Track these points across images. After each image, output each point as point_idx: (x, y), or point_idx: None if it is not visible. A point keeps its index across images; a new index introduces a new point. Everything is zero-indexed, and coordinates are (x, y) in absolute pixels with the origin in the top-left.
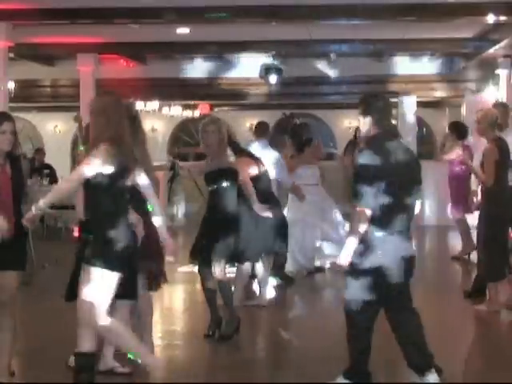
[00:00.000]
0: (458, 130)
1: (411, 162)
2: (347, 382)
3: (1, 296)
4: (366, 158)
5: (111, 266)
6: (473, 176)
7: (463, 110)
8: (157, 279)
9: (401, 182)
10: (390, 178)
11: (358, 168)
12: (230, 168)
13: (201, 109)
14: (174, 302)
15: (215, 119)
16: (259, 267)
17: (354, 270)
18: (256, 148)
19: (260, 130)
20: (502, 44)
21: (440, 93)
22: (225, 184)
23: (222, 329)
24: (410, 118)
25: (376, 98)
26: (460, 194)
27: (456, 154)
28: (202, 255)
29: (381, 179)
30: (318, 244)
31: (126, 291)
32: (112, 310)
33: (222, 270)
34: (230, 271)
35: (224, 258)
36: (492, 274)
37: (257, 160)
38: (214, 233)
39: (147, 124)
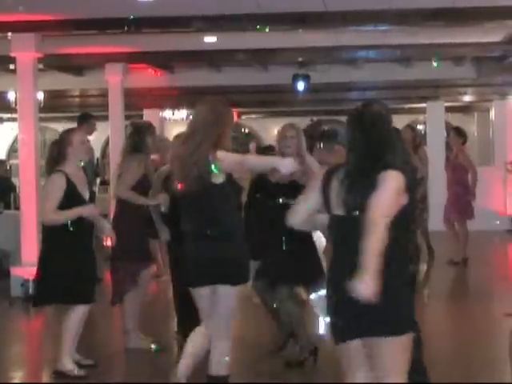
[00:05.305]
0: (464, 136)
1: None
2: None
3: None
4: None
5: None
6: None
7: (492, 115)
8: None
9: None
10: None
11: None
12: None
13: None
14: None
15: (294, 124)
16: None
17: None
18: None
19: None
20: None
21: (468, 98)
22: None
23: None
24: (439, 123)
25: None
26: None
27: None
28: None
29: None
30: None
31: None
32: None
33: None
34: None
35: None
36: None
37: None
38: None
39: (175, 132)
